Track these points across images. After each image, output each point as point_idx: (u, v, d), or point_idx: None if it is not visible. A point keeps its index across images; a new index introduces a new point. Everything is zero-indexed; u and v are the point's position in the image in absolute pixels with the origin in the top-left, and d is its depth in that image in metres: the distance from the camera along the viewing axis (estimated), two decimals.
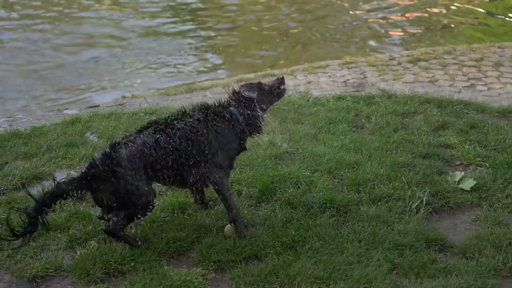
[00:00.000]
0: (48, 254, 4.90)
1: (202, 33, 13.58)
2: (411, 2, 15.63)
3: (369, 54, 11.10)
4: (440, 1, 15.70)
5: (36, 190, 5.84)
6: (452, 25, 13.98)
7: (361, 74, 9.81)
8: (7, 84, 10.45)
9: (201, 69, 11.55)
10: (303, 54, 12.19)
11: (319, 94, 8.67)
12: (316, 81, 9.53)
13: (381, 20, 14.44)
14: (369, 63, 10.31)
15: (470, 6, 15.52)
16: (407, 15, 14.67)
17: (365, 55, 11.06)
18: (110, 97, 9.78)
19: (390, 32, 13.59)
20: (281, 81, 5.31)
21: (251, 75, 9.98)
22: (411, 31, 13.43)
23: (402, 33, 13.54)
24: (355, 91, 8.86)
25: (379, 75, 9.72)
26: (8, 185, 5.94)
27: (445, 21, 14.23)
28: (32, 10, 14.97)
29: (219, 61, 12.00)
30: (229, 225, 5.13)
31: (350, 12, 15.13)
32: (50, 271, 4.70)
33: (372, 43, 12.89)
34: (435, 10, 14.99)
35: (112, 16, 14.63)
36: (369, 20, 14.41)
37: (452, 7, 15.38)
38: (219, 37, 13.35)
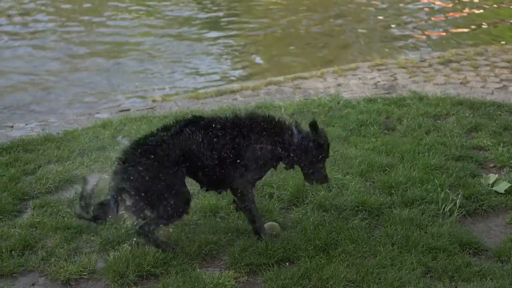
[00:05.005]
0: (82, 257, 4.95)
1: (232, 36, 13.59)
2: (442, 18, 15.26)
3: (399, 55, 11.00)
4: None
5: (69, 194, 5.92)
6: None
7: (391, 76, 9.74)
8: (39, 89, 10.58)
9: (231, 72, 11.57)
10: (335, 56, 12.14)
11: (349, 96, 8.63)
12: (346, 83, 9.48)
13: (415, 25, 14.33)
14: (400, 65, 10.23)
15: None
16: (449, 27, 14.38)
17: (395, 57, 10.96)
18: (140, 101, 9.84)
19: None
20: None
21: (281, 78, 9.96)
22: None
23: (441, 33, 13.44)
24: (386, 93, 8.80)
25: (410, 77, 9.64)
26: (41, 188, 6.00)
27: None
28: (57, 16, 15.10)
29: (249, 64, 12.00)
30: (269, 223, 5.17)
31: (380, 17, 15.03)
32: (84, 273, 4.74)
33: (401, 44, 12.81)
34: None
35: (140, 21, 14.71)
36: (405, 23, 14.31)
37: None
38: (249, 40, 13.35)
